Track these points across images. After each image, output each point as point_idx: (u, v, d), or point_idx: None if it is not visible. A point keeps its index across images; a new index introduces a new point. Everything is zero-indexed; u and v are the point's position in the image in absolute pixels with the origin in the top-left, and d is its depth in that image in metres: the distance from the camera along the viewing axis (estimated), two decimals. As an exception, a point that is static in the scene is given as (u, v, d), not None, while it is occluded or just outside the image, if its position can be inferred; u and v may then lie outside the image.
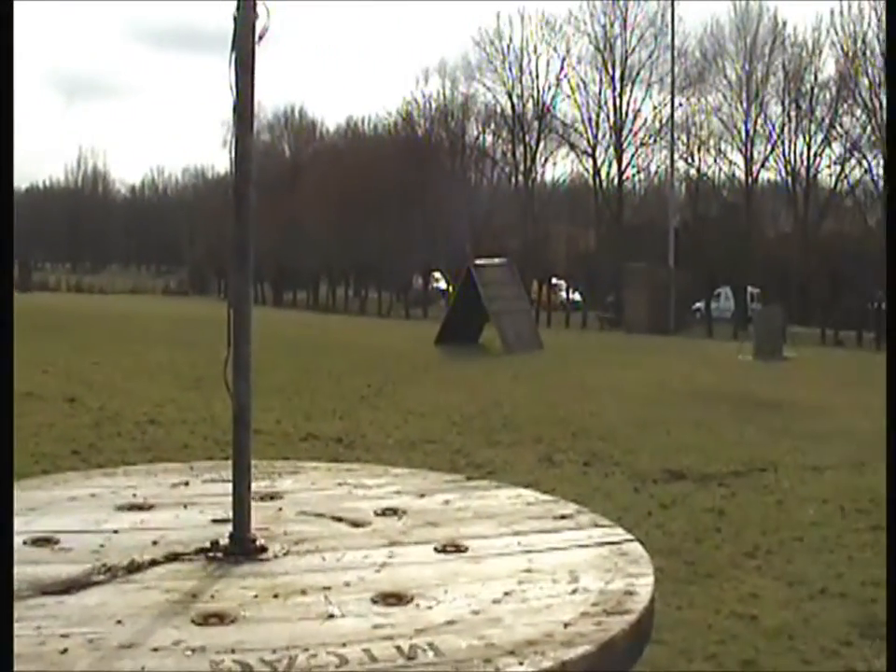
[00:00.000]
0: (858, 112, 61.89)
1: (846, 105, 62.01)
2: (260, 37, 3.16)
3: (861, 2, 65.66)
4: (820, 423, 15.83)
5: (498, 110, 71.57)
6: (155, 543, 3.12)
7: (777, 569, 7.94)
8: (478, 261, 31.30)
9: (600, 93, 69.17)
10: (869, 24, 60.84)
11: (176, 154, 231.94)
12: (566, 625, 2.50)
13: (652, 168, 69.82)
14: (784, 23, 65.26)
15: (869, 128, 61.41)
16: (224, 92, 3.14)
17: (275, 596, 2.69)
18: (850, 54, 61.63)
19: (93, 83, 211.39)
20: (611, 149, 69.29)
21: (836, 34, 62.51)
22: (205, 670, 2.25)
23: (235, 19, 3.12)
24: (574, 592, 2.75)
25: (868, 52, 61.19)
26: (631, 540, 3.25)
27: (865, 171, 62.60)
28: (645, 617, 2.67)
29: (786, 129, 63.49)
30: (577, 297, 59.15)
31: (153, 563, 2.94)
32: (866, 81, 61.21)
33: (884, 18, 59.08)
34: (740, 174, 65.12)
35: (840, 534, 9.05)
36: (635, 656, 2.64)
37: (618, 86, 68.52)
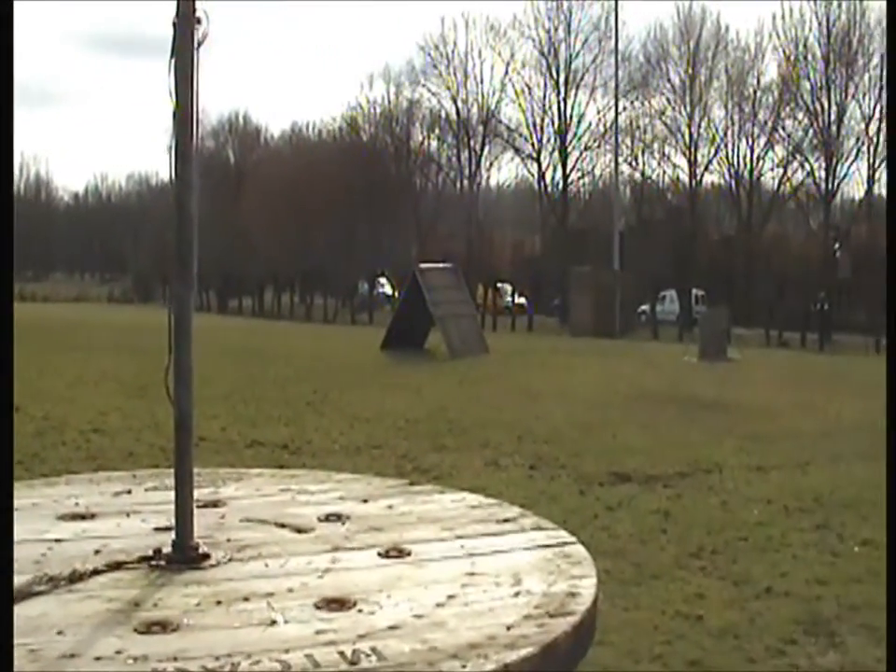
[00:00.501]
0: (800, 115, 62.53)
1: (788, 109, 62.63)
2: (200, 43, 3.15)
3: (803, 5, 66.46)
4: (765, 424, 15.94)
5: (443, 115, 71.76)
6: (97, 552, 3.10)
7: (722, 569, 7.99)
8: (423, 266, 31.32)
9: (545, 98, 69.52)
10: (810, 29, 61.55)
11: (120, 161, 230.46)
12: (508, 628, 2.51)
13: (597, 172, 70.26)
14: (727, 28, 66.15)
15: (811, 131, 62.06)
16: (168, 98, 3.13)
17: (218, 603, 2.68)
18: (792, 58, 62.23)
19: (34, 89, 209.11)
20: (556, 153, 69.64)
21: (778, 38, 63.16)
22: (147, 679, 2.24)
23: (175, 25, 3.11)
24: (517, 594, 2.76)
25: (810, 56, 61.86)
26: (574, 543, 3.26)
27: (808, 174, 63.23)
28: (588, 618, 2.68)
29: (729, 132, 64.08)
30: (522, 300, 59.27)
31: (95, 572, 2.92)
32: (808, 85, 61.84)
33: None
34: (684, 177, 65.66)
35: (784, 533, 9.12)
36: (578, 657, 2.66)
37: (562, 90, 68.84)
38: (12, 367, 3.00)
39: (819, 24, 61.48)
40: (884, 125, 61.08)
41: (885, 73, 54.05)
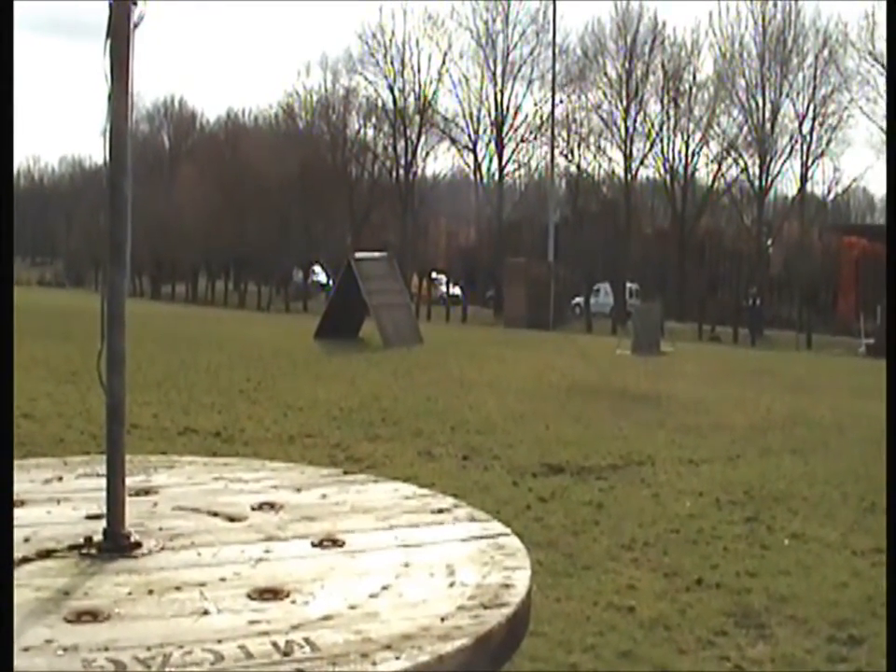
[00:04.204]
0: (735, 112, 63.15)
1: (723, 105, 63.20)
2: (137, 24, 3.11)
3: (739, 4, 67.04)
4: (696, 417, 16.06)
5: (380, 104, 71.72)
6: (27, 540, 3.05)
7: (653, 561, 8.04)
8: (358, 255, 31.27)
9: (481, 89, 69.69)
10: (746, 27, 62.19)
11: (53, 143, 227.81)
12: (442, 619, 2.50)
13: (533, 164, 70.53)
14: (664, 24, 66.46)
15: (745, 128, 62.66)
16: (102, 81, 3.08)
17: (150, 593, 2.65)
18: (728, 55, 62.79)
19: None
20: (492, 145, 69.77)
21: (714, 35, 63.78)
22: (78, 669, 2.20)
23: (111, 5, 3.07)
24: (451, 585, 2.75)
25: (745, 54, 62.48)
26: (508, 534, 3.25)
27: (741, 170, 63.86)
28: (522, 610, 2.68)
29: (664, 127, 64.50)
30: (457, 291, 59.36)
31: (24, 560, 2.88)
32: (743, 82, 62.44)
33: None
34: (619, 170, 66.04)
35: (715, 526, 9.19)
36: (512, 648, 2.65)
37: (499, 82, 69.05)
38: (12, 366, 2.96)
39: (755, 23, 62.15)
40: (816, 124, 61.81)
41: (885, 71, 54.66)
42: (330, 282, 56.34)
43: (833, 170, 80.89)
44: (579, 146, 65.49)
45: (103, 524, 3.05)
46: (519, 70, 68.69)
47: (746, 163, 63.31)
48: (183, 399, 15.93)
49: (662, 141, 64.73)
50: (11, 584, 2.56)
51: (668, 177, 65.38)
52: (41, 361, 19.58)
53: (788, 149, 62.74)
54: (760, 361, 30.91)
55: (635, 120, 64.71)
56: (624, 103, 64.50)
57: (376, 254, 32.76)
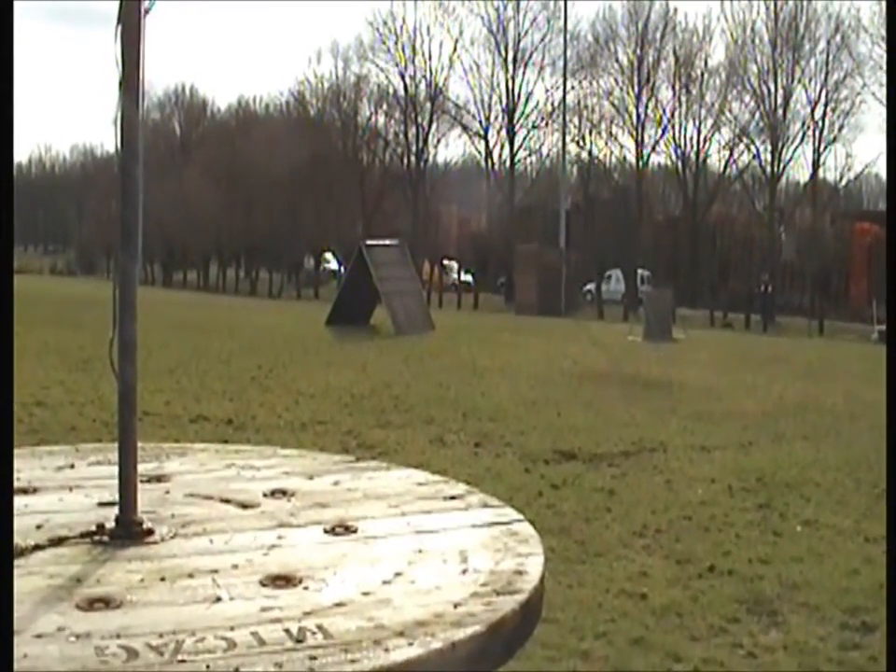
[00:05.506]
0: (746, 98, 62.91)
1: (735, 91, 62.97)
2: (147, 11, 3.10)
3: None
4: (708, 404, 16.03)
5: (391, 91, 71.60)
6: (39, 527, 3.05)
7: (665, 548, 8.03)
8: (369, 242, 31.24)
9: (493, 75, 69.58)
10: (758, 13, 61.89)
11: (65, 131, 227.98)
12: (455, 606, 2.49)
13: (544, 150, 70.36)
14: (675, 10, 66.44)
15: (757, 114, 62.43)
16: (113, 68, 3.07)
17: (162, 580, 2.64)
18: (739, 41, 62.57)
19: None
20: (503, 131, 69.65)
21: (726, 21, 63.56)
22: (90, 656, 2.20)
23: (121, -8, 3.05)
24: (464, 572, 2.74)
25: (757, 40, 62.23)
26: (521, 520, 3.24)
27: (753, 156, 63.65)
28: (535, 596, 2.67)
29: (676, 113, 64.27)
30: (468, 278, 59.31)
31: (37, 547, 2.87)
32: (755, 68, 62.20)
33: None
34: (631, 157, 65.81)
35: (727, 513, 9.18)
36: (525, 635, 2.64)
37: (510, 68, 68.91)
38: (12, 366, 2.95)
39: (767, 8, 61.89)
40: (829, 110, 61.61)
41: (885, 70, 54.31)
42: (342, 269, 56.34)
43: (845, 156, 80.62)
44: (590, 132, 65.31)
45: (115, 511, 3.05)
46: (530, 57, 68.63)
47: (758, 149, 63.15)
48: (195, 386, 15.95)
49: (673, 127, 64.56)
50: (11, 575, 2.56)
51: (680, 164, 65.18)
52: (53, 349, 19.62)
53: (800, 135, 62.55)
54: (772, 348, 30.85)
55: (646, 107, 64.53)
56: (636, 89, 64.31)
57: (388, 241, 32.74)
